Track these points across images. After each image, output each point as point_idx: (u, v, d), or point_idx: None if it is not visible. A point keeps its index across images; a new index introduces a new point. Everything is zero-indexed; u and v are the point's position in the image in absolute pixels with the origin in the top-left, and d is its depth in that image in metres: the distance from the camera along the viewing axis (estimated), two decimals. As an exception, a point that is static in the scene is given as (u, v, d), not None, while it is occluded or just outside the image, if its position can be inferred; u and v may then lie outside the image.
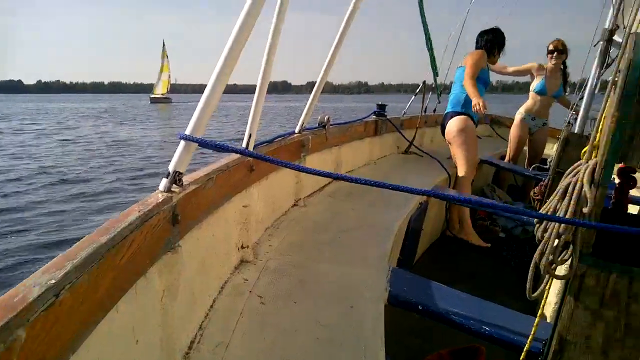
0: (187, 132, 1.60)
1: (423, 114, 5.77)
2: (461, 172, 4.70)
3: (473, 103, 4.35)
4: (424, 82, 5.52)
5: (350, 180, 1.48)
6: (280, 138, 3.00)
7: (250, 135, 2.41)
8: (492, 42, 4.78)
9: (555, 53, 5.75)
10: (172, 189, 1.61)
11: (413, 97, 5.89)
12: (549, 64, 5.84)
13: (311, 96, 3.26)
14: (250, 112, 2.40)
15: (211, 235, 1.98)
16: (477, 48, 4.82)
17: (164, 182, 1.60)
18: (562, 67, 5.88)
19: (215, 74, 1.66)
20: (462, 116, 4.67)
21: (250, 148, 2.44)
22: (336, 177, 1.52)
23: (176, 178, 1.62)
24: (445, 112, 4.87)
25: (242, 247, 2.32)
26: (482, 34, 4.85)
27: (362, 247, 2.63)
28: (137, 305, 1.32)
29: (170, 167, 1.62)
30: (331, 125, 3.72)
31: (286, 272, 2.26)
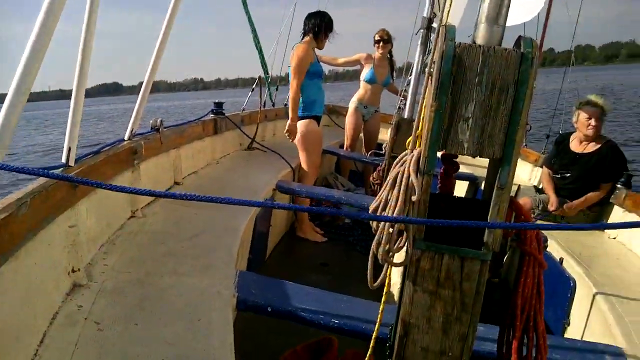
0: None
1: (262, 108, 5.75)
2: (304, 173, 4.83)
3: (287, 127, 4.58)
4: (259, 77, 5.49)
5: (182, 197, 1.37)
6: (107, 147, 2.76)
7: (69, 149, 2.19)
8: (319, 25, 4.72)
9: (381, 43, 6.07)
10: None
11: (250, 92, 5.86)
12: (377, 53, 6.15)
13: (139, 98, 3.06)
14: (68, 122, 2.18)
15: (33, 264, 1.76)
16: (304, 33, 4.78)
17: None
18: (388, 56, 6.23)
19: (15, 83, 1.46)
20: (303, 121, 4.70)
21: (72, 162, 2.22)
22: (165, 196, 1.42)
23: None
24: None
25: (73, 270, 2.09)
26: (310, 16, 4.81)
27: (208, 254, 2.52)
28: None
29: None
30: (165, 127, 3.53)
31: (125, 292, 2.08)
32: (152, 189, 1.39)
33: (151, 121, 3.43)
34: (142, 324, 1.86)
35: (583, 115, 3.98)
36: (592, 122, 3.92)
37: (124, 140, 3.01)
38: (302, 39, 4.76)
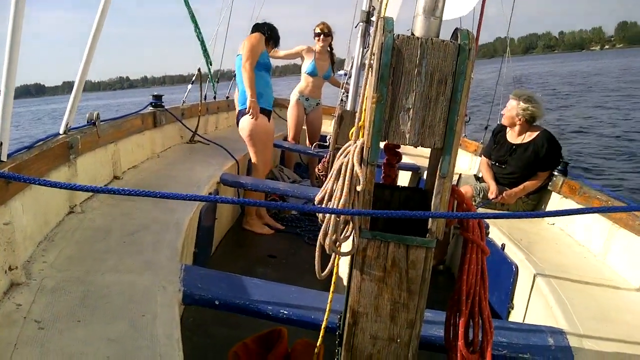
0: None
1: (204, 101, 5.65)
2: (255, 168, 4.75)
3: (248, 105, 4.40)
4: (199, 70, 5.39)
5: (122, 193, 1.33)
6: (41, 142, 2.64)
7: (1, 144, 2.10)
8: (269, 33, 4.77)
9: (322, 36, 6.10)
10: None
11: (190, 86, 5.74)
12: (317, 46, 6.17)
13: (73, 92, 2.94)
14: None
15: None
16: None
17: None
18: (329, 49, 6.27)
19: None
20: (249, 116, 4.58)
21: (4, 158, 2.13)
22: (104, 192, 1.37)
23: None
24: (238, 109, 4.72)
25: (10, 269, 2.00)
26: (258, 26, 4.82)
27: (151, 249, 2.46)
28: None
29: None
30: (102, 121, 3.41)
31: (66, 290, 2.01)
32: (90, 185, 1.35)
33: (87, 114, 3.31)
34: (84, 322, 1.80)
35: (506, 105, 4.22)
36: (505, 111, 4.20)
37: (59, 134, 2.89)
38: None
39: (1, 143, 2.09)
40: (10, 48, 2.05)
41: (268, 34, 4.75)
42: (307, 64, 6.21)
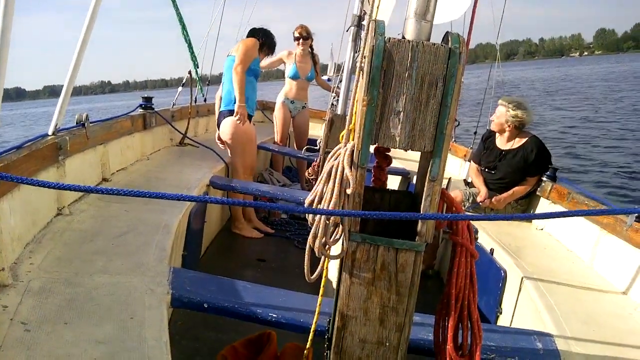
0: None
1: (194, 104, 5.64)
2: (235, 170, 4.72)
3: (236, 109, 4.36)
4: (189, 72, 5.37)
5: (111, 192, 1.32)
6: (29, 143, 2.62)
7: None
8: (265, 39, 4.78)
9: (301, 39, 6.16)
10: None
11: (180, 88, 5.73)
12: (298, 49, 6.21)
13: (62, 93, 2.92)
14: None
15: None
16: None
17: None
18: (310, 52, 6.30)
19: None
20: (231, 119, 4.50)
21: None
22: (93, 191, 1.35)
23: None
24: (220, 109, 4.67)
25: None
26: (254, 31, 4.81)
27: (140, 251, 2.45)
28: None
29: None
30: (91, 123, 3.39)
31: (53, 291, 1.99)
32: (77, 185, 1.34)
33: (76, 116, 3.29)
34: (71, 324, 1.79)
35: (495, 112, 4.21)
36: (494, 117, 4.20)
37: (48, 135, 2.86)
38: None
39: None
40: None
41: (262, 40, 4.74)
42: (289, 68, 6.30)
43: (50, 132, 2.90)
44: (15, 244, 2.26)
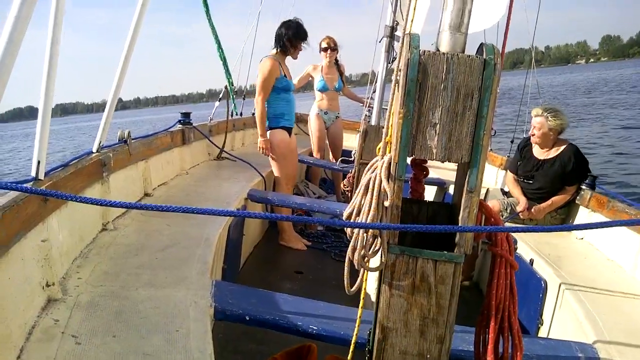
0: None
1: (230, 118, 5.74)
2: (279, 183, 4.82)
3: (259, 143, 4.61)
4: (225, 87, 5.48)
5: (155, 208, 1.37)
6: (76, 160, 2.72)
7: (39, 162, 2.17)
8: (284, 38, 4.64)
9: (329, 50, 6.19)
10: None
11: (217, 103, 5.84)
12: (324, 61, 6.27)
13: (106, 111, 3.03)
14: (36, 137, 2.15)
15: (7, 278, 1.75)
16: (276, 46, 4.74)
17: None
18: (335, 63, 6.33)
19: None
20: (271, 131, 4.67)
21: (41, 176, 2.20)
22: (139, 207, 1.41)
23: None
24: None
25: (48, 285, 2.06)
26: (280, 26, 4.73)
27: (182, 265, 2.50)
28: None
29: None
30: (133, 139, 3.49)
31: (101, 305, 2.06)
32: (122, 201, 1.39)
33: (119, 132, 3.39)
34: (119, 337, 1.84)
35: (533, 124, 4.12)
36: (535, 131, 4.07)
37: (92, 152, 2.97)
38: (274, 49, 4.72)
39: (39, 162, 2.16)
40: (48, 67, 2.11)
41: (282, 44, 4.64)
42: (317, 82, 6.36)
43: (94, 149, 3.00)
44: (64, 259, 2.34)
